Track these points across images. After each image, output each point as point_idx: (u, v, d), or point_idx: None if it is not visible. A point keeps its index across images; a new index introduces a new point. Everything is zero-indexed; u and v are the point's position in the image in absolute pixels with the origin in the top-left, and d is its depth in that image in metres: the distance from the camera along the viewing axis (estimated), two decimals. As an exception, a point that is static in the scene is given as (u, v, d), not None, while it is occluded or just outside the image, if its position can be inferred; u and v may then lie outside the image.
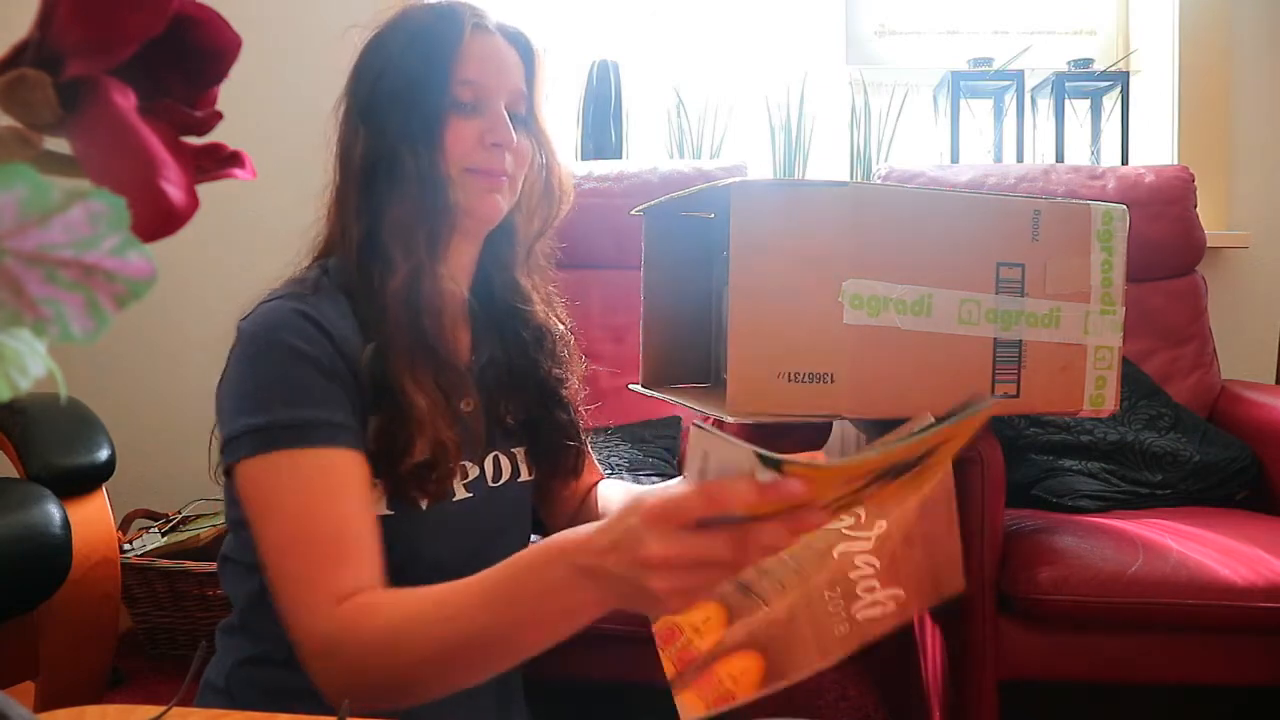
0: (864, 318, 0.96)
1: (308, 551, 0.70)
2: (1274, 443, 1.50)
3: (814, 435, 1.17)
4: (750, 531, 0.51)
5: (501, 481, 0.88)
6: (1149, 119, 2.15)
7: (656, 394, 1.20)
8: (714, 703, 0.67)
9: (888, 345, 0.97)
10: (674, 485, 0.60)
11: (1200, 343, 1.77)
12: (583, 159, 2.05)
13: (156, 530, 1.89)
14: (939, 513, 0.67)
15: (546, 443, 0.93)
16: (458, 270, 0.87)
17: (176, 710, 0.57)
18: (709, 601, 0.68)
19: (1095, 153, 2.14)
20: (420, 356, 0.79)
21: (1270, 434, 1.52)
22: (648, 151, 2.20)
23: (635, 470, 1.41)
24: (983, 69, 2.08)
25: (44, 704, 1.33)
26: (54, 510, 1.27)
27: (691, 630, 0.67)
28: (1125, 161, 2.06)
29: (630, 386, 1.26)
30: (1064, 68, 2.10)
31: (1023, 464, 1.49)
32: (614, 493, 0.98)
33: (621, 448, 1.46)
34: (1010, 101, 2.10)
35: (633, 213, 1.24)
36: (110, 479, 1.43)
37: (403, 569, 0.79)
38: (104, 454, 1.41)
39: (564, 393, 0.94)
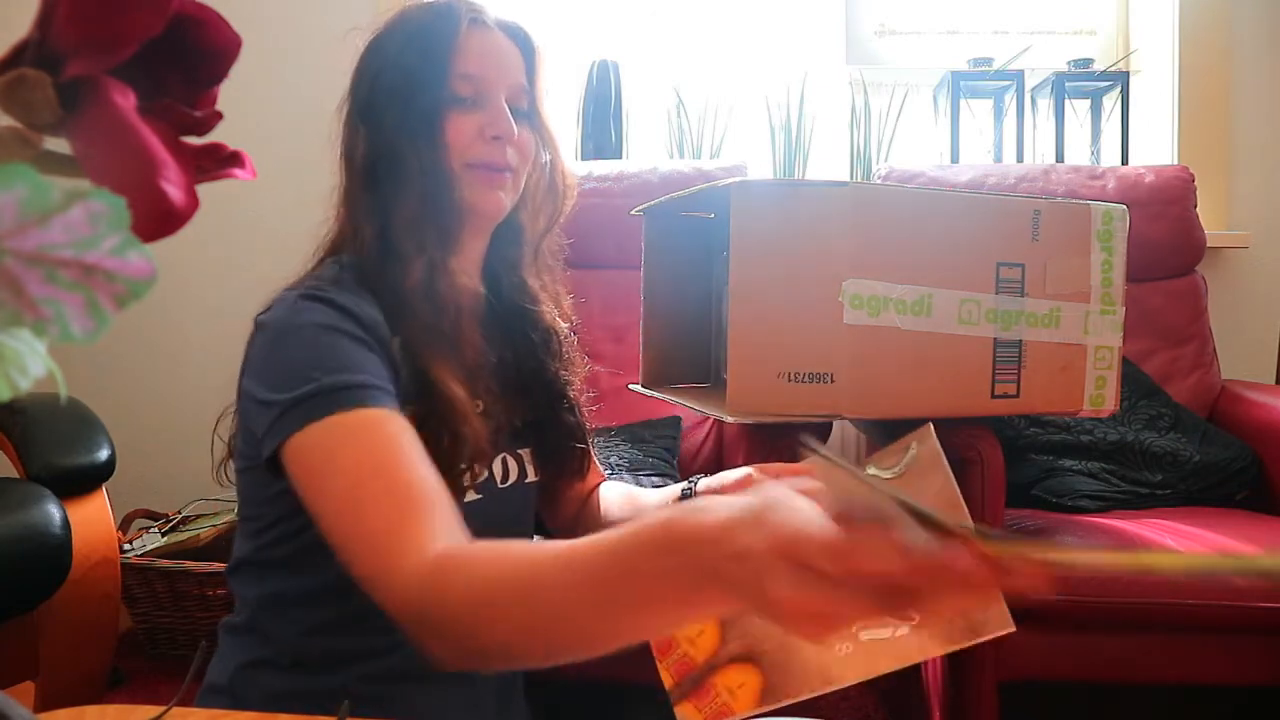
0: (864, 318, 0.96)
1: (381, 505, 0.64)
2: (1274, 443, 1.50)
3: (814, 435, 1.17)
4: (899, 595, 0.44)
5: (509, 483, 0.88)
6: (1149, 119, 2.15)
7: (656, 394, 1.20)
8: (712, 716, 0.66)
9: (888, 345, 0.97)
10: (788, 494, 0.50)
11: (1200, 343, 1.77)
12: (583, 159, 2.05)
13: (156, 530, 1.89)
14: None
15: (553, 444, 0.93)
16: (469, 266, 0.87)
17: (177, 710, 0.57)
18: None
19: (1095, 153, 2.14)
20: (446, 352, 0.79)
21: (1270, 434, 1.52)
22: (648, 151, 2.20)
23: (635, 470, 1.41)
24: (983, 69, 2.08)
25: (44, 704, 1.33)
26: (54, 510, 1.27)
27: (687, 642, 0.67)
28: (1125, 161, 2.06)
29: (630, 386, 1.26)
30: (1064, 68, 2.10)
31: (1023, 464, 1.49)
32: (615, 495, 0.97)
33: (622, 448, 1.46)
34: (1010, 101, 2.10)
35: (633, 213, 1.24)
36: (110, 479, 1.43)
37: None
38: (104, 454, 1.41)
39: (571, 394, 0.94)
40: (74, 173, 0.30)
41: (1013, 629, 0.58)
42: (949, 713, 1.24)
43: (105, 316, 0.25)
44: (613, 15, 2.23)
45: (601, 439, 1.46)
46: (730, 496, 0.51)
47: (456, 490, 0.78)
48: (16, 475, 1.36)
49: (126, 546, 1.81)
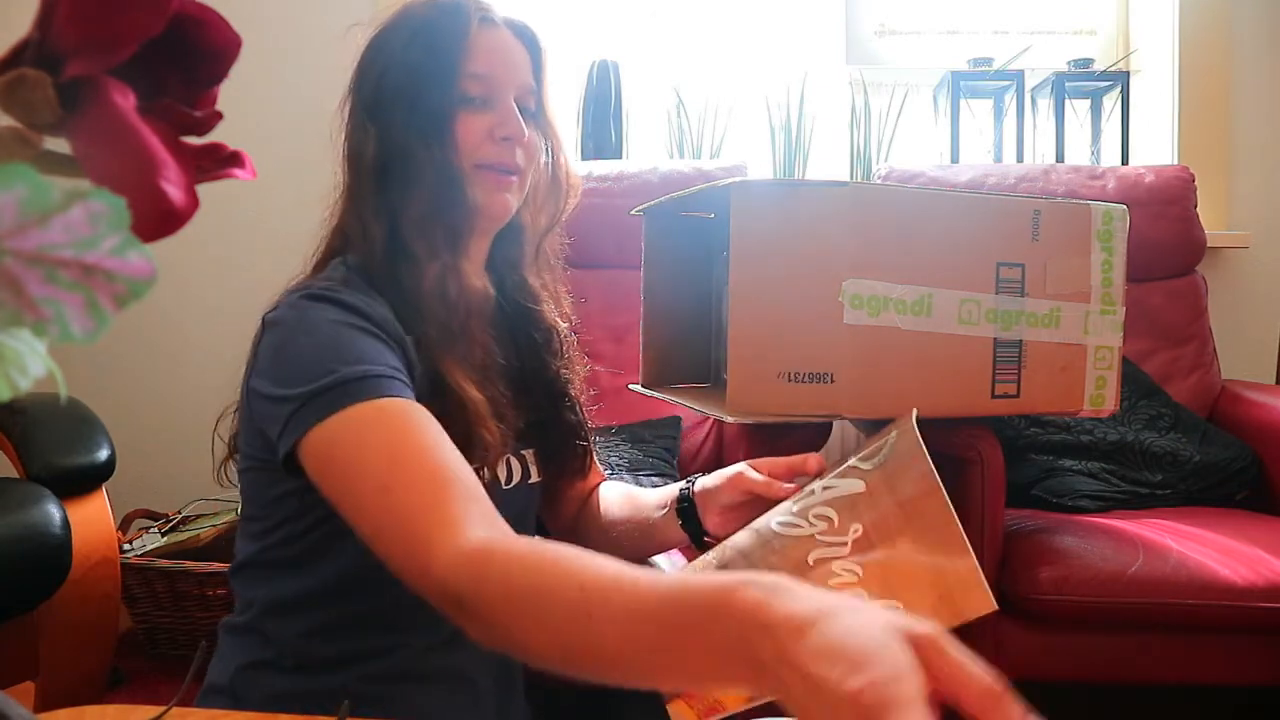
0: (864, 318, 0.96)
1: (416, 488, 0.62)
2: (1274, 443, 1.50)
3: (814, 435, 1.17)
4: None
5: (514, 484, 0.88)
6: (1149, 119, 2.15)
7: (656, 394, 1.20)
8: (704, 713, 0.66)
9: (888, 345, 0.97)
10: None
11: (1200, 343, 1.77)
12: (583, 159, 2.05)
13: (156, 530, 1.88)
14: (928, 514, 0.63)
15: (555, 444, 0.93)
16: (475, 267, 0.87)
17: (176, 710, 0.57)
18: None
19: (1095, 153, 2.14)
20: (461, 353, 0.78)
21: (1270, 434, 1.52)
22: (648, 151, 2.20)
23: (635, 470, 1.41)
24: (983, 69, 2.08)
25: (44, 704, 1.33)
26: (54, 510, 1.27)
27: None
28: (1125, 161, 2.06)
29: (630, 386, 1.26)
30: (1064, 68, 2.10)
31: (1023, 464, 1.49)
32: (615, 495, 0.97)
33: (622, 448, 1.46)
34: (1010, 101, 2.10)
35: (633, 213, 1.24)
36: (110, 479, 1.43)
37: None
38: (104, 454, 1.41)
39: (571, 393, 0.94)
40: (74, 173, 0.30)
41: (994, 608, 0.58)
42: (949, 712, 1.24)
43: (105, 316, 0.25)
44: (613, 15, 2.23)
45: (602, 439, 1.46)
46: (802, 585, 0.46)
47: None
48: (16, 475, 1.36)
49: (126, 546, 1.81)
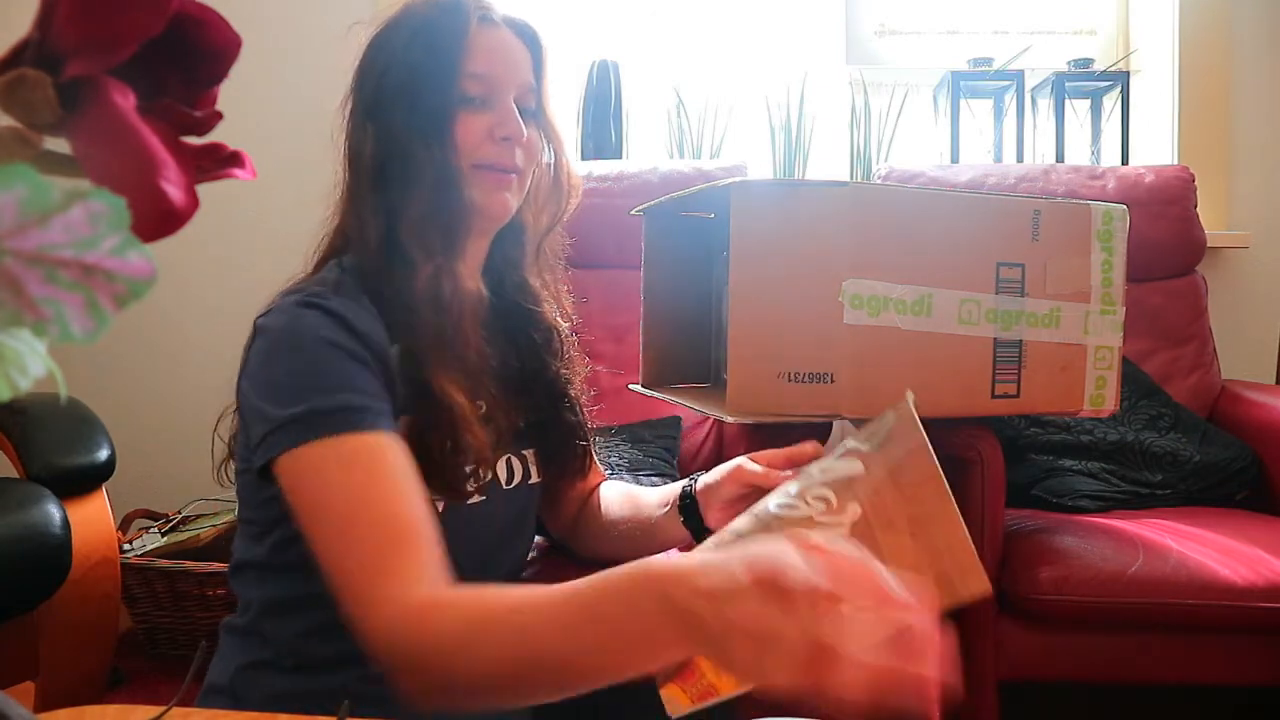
0: (864, 318, 0.96)
1: (369, 540, 0.66)
2: (1274, 443, 1.50)
3: (814, 435, 1.17)
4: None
5: (514, 484, 0.88)
6: (1149, 119, 2.15)
7: (656, 394, 1.21)
8: (697, 698, 0.66)
9: (888, 345, 0.97)
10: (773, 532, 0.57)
11: (1200, 343, 1.77)
12: (583, 159, 2.05)
13: (156, 530, 1.88)
14: (926, 497, 0.62)
15: (556, 444, 0.93)
16: (472, 268, 0.87)
17: (177, 710, 0.57)
18: None
19: (1095, 153, 2.14)
20: (450, 357, 0.78)
21: (1270, 434, 1.52)
22: (648, 151, 2.20)
23: (635, 470, 1.41)
24: (983, 69, 2.08)
25: (44, 704, 1.33)
26: (54, 510, 1.27)
27: None
28: (1125, 161, 2.06)
29: (630, 386, 1.26)
30: (1064, 68, 2.10)
31: (1023, 464, 1.49)
32: (615, 494, 0.97)
33: (622, 448, 1.46)
34: (1010, 101, 2.10)
35: (633, 213, 1.24)
36: (110, 479, 1.43)
37: None
38: (104, 454, 1.41)
39: (572, 393, 0.94)
40: (74, 173, 0.30)
41: (989, 591, 0.58)
42: (949, 712, 1.24)
43: (105, 316, 0.25)
44: (613, 15, 2.23)
45: (602, 439, 1.46)
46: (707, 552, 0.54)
47: (459, 495, 0.78)
48: (16, 475, 1.36)
49: (126, 546, 1.81)
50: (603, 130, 2.05)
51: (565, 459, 0.94)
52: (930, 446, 0.63)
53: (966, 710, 1.18)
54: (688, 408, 1.10)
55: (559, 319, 0.94)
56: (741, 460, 0.82)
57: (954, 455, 1.15)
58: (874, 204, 0.99)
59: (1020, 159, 2.07)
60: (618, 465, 1.39)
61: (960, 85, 2.06)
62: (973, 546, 0.59)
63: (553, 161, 0.89)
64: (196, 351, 2.06)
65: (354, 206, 0.82)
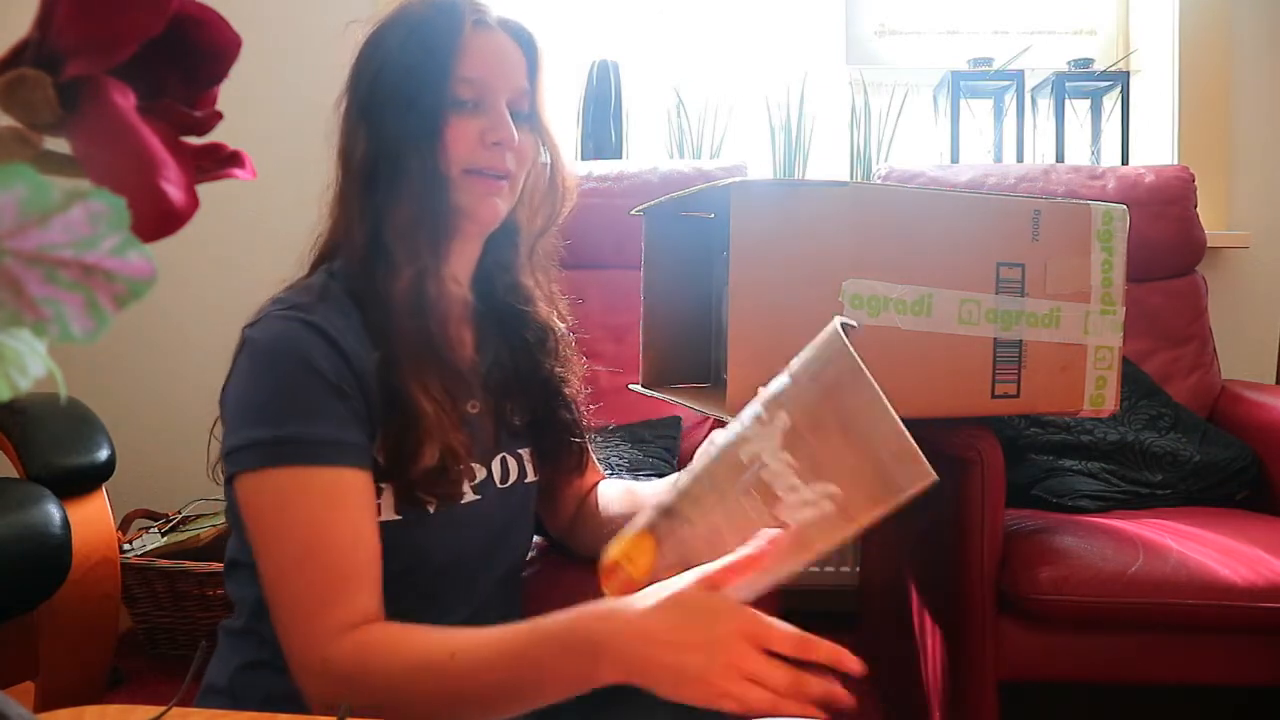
0: (864, 318, 0.96)
1: (310, 575, 0.69)
2: (1274, 443, 1.50)
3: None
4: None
5: (509, 483, 0.88)
6: (1149, 119, 2.15)
7: (656, 394, 1.21)
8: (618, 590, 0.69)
9: (888, 345, 0.97)
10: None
11: (1200, 343, 1.77)
12: (583, 159, 2.05)
13: (156, 530, 1.89)
14: (850, 392, 0.61)
15: (551, 441, 0.93)
16: (460, 271, 0.87)
17: (176, 710, 0.57)
18: (637, 531, 0.69)
19: (1095, 153, 2.14)
20: (426, 361, 0.78)
21: (1270, 434, 1.52)
22: (648, 151, 2.20)
23: (635, 470, 1.41)
24: (983, 69, 2.08)
25: (44, 704, 1.33)
26: (54, 510, 1.27)
27: (627, 561, 0.68)
28: (1125, 161, 2.06)
29: (630, 386, 1.26)
30: (1064, 68, 2.10)
31: (1023, 464, 1.49)
32: (614, 492, 0.97)
33: (622, 448, 1.46)
34: (1010, 101, 2.10)
35: (633, 213, 1.24)
36: (110, 479, 1.43)
37: (411, 572, 0.79)
38: (104, 454, 1.41)
39: (566, 391, 0.94)
40: (74, 173, 0.30)
41: (934, 478, 0.58)
42: (949, 713, 1.24)
43: (105, 316, 0.25)
44: (613, 15, 2.23)
45: (601, 439, 1.46)
46: (631, 598, 0.63)
47: (446, 497, 0.78)
48: (16, 475, 1.36)
49: (126, 546, 1.81)
50: (603, 130, 2.05)
51: (561, 457, 0.94)
52: (850, 347, 0.62)
53: (966, 710, 1.18)
54: (688, 408, 1.10)
55: (553, 318, 0.94)
56: (713, 434, 0.83)
57: (954, 455, 1.15)
58: (874, 204, 0.99)
59: (1020, 159, 2.07)
60: (618, 465, 1.39)
61: (960, 85, 2.06)
62: (908, 434, 0.58)
63: (549, 164, 0.89)
64: (196, 351, 2.06)
65: (343, 207, 0.82)
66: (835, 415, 0.62)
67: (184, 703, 0.59)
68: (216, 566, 1.72)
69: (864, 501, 0.60)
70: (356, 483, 0.73)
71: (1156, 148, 2.12)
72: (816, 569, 1.95)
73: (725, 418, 0.96)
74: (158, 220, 0.29)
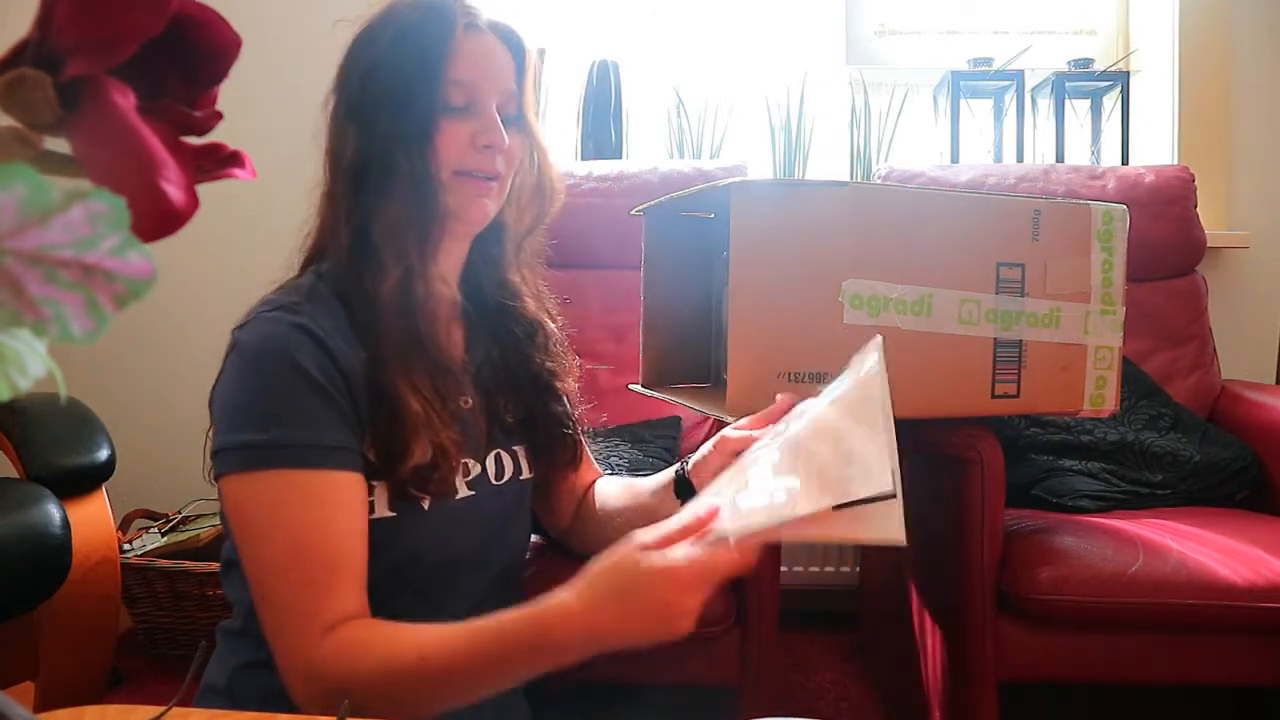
0: (864, 318, 0.96)
1: (296, 578, 0.70)
2: (1274, 443, 1.50)
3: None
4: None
5: (504, 480, 0.88)
6: (1149, 119, 2.15)
7: (656, 394, 1.21)
8: None
9: (888, 345, 0.97)
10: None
11: (1200, 343, 1.77)
12: (583, 159, 2.05)
13: (156, 530, 1.89)
14: (861, 408, 0.64)
15: (544, 436, 0.93)
16: (448, 270, 0.87)
17: (176, 710, 0.57)
18: None
19: (1095, 153, 2.14)
20: (414, 359, 0.79)
21: (1270, 434, 1.52)
22: (648, 151, 2.20)
23: (635, 470, 1.41)
24: (983, 69, 2.08)
25: (44, 704, 1.33)
26: (54, 510, 1.27)
27: None
28: (1125, 161, 2.06)
29: (630, 386, 1.26)
30: (1064, 68, 2.10)
31: (1023, 464, 1.49)
32: (612, 488, 0.98)
33: (622, 448, 1.46)
34: (1010, 101, 2.10)
35: (633, 213, 1.24)
36: (110, 479, 1.43)
37: (405, 570, 0.79)
38: (104, 454, 1.41)
39: (558, 385, 0.94)
40: (74, 173, 0.30)
41: (889, 491, 0.58)
42: (949, 713, 1.24)
43: (105, 316, 0.25)
44: (613, 15, 2.23)
45: (602, 439, 1.46)
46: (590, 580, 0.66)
47: (438, 493, 0.79)
48: (16, 475, 1.36)
49: (126, 546, 1.81)
50: (603, 130, 2.05)
51: (555, 451, 0.94)
52: (885, 372, 0.64)
53: (966, 710, 1.18)
54: (688, 408, 1.10)
55: (542, 314, 0.94)
56: (724, 431, 0.83)
57: (954, 455, 1.15)
58: (874, 204, 0.99)
59: (1020, 159, 2.07)
60: (618, 465, 1.39)
61: (960, 85, 2.06)
62: (885, 453, 0.60)
63: (537, 165, 0.90)
64: (196, 351, 2.05)
65: (332, 207, 0.83)
66: (833, 426, 0.65)
67: (184, 703, 0.59)
68: (216, 566, 1.71)
69: (817, 496, 0.61)
70: (343, 485, 0.73)
71: (1156, 148, 2.12)
72: (817, 569, 1.95)
73: (725, 418, 0.96)
74: (158, 220, 0.29)
